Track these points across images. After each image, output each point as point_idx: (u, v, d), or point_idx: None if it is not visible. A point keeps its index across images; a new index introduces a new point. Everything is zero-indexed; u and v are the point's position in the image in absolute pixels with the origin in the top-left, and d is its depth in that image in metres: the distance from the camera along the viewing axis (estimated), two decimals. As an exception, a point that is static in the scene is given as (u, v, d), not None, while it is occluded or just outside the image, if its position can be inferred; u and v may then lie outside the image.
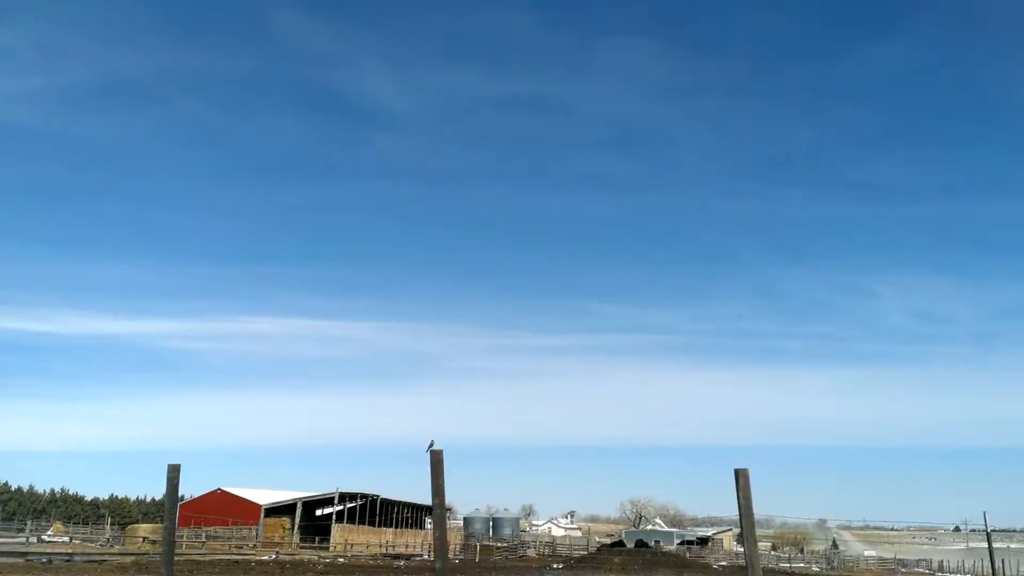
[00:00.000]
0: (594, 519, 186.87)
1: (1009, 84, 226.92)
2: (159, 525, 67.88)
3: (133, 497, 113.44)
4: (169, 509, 10.73)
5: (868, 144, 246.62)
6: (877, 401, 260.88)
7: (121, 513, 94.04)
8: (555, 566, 49.80)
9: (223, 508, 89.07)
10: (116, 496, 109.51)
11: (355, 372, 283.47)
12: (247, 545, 67.23)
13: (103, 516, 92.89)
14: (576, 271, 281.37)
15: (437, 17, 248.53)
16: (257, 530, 69.78)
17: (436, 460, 8.89)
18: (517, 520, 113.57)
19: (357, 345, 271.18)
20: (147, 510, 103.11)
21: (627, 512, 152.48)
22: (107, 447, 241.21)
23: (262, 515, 70.24)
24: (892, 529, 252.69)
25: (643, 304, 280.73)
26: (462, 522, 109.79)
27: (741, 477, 7.58)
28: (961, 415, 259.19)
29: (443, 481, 8.85)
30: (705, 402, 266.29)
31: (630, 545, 68.18)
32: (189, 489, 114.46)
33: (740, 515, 7.58)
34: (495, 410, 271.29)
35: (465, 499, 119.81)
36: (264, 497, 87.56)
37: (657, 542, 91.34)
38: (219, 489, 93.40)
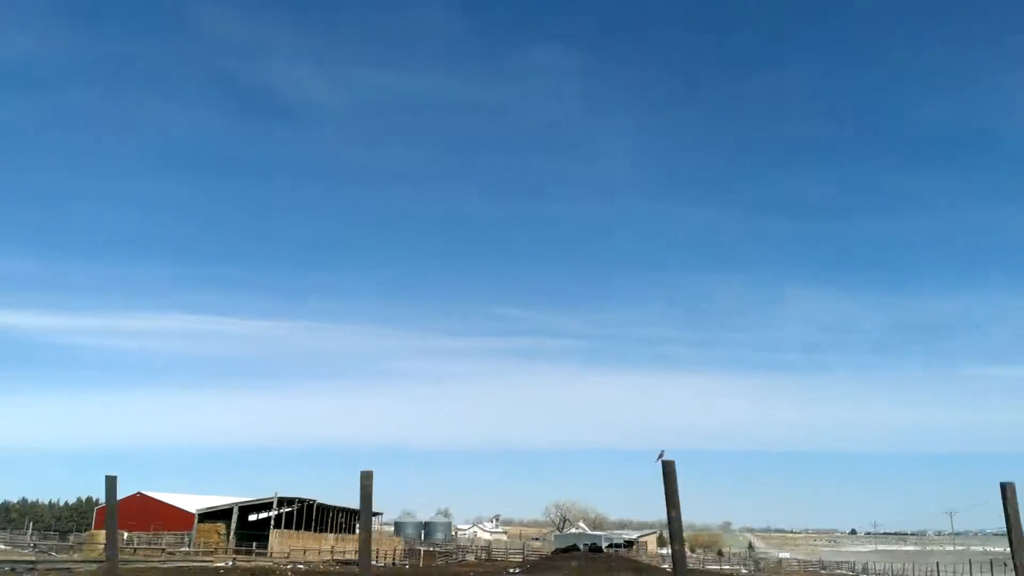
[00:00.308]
0: (509, 522, 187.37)
1: (910, 107, 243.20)
2: (120, 532, 64.00)
3: (46, 500, 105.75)
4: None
5: (777, 160, 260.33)
6: (776, 408, 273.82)
7: (33, 516, 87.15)
8: (513, 571, 49.62)
9: (143, 513, 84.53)
10: (27, 500, 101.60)
11: (261, 372, 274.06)
12: (178, 552, 63.94)
13: (12, 521, 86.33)
14: (487, 274, 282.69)
15: (365, 13, 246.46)
16: (190, 536, 66.43)
17: (668, 470, 8.64)
18: (449, 524, 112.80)
19: (265, 345, 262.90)
20: (60, 514, 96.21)
21: (551, 516, 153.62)
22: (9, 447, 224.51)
23: (196, 521, 66.95)
24: (792, 532, 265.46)
25: (549, 309, 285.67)
26: (393, 527, 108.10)
27: (1008, 491, 7.66)
28: (856, 422, 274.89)
29: (676, 490, 8.61)
30: (611, 406, 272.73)
31: (561, 547, 68.86)
32: (98, 492, 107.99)
33: (1008, 529, 7.64)
34: (407, 412, 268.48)
35: (378, 503, 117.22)
36: (193, 502, 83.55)
37: (595, 545, 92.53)
38: (139, 493, 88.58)
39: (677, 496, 8.51)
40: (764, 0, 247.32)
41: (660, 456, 8.97)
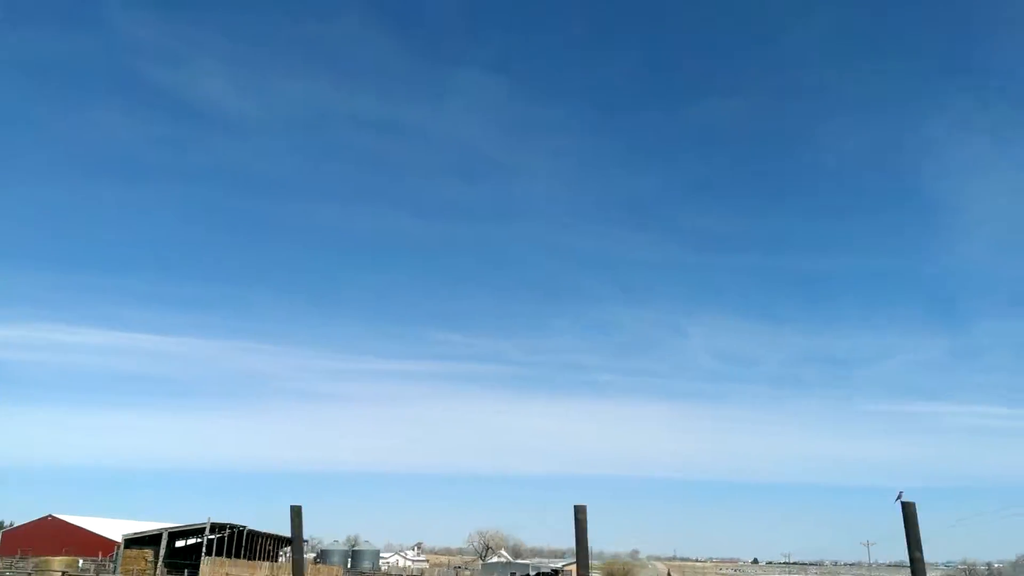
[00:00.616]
0: (432, 550, 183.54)
1: (825, 150, 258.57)
2: (73, 559, 59.84)
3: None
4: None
5: (696, 193, 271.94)
6: (686, 436, 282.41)
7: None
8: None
9: (55, 538, 78.87)
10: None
11: (188, 391, 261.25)
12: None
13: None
14: (423, 297, 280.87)
15: (287, 24, 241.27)
16: (115, 563, 62.28)
17: (909, 512, 9.12)
18: (376, 553, 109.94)
19: (191, 363, 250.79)
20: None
21: (475, 543, 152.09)
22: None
23: (121, 546, 62.80)
24: (697, 560, 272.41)
25: (482, 333, 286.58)
26: (316, 555, 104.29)
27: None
28: (759, 453, 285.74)
29: (919, 532, 9.08)
30: (536, 433, 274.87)
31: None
32: (8, 515, 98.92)
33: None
34: (331, 434, 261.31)
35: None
36: (113, 527, 78.45)
37: (525, 575, 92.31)
38: (50, 516, 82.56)
39: (919, 538, 8.97)
40: (687, 37, 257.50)
41: (899, 497, 9.46)
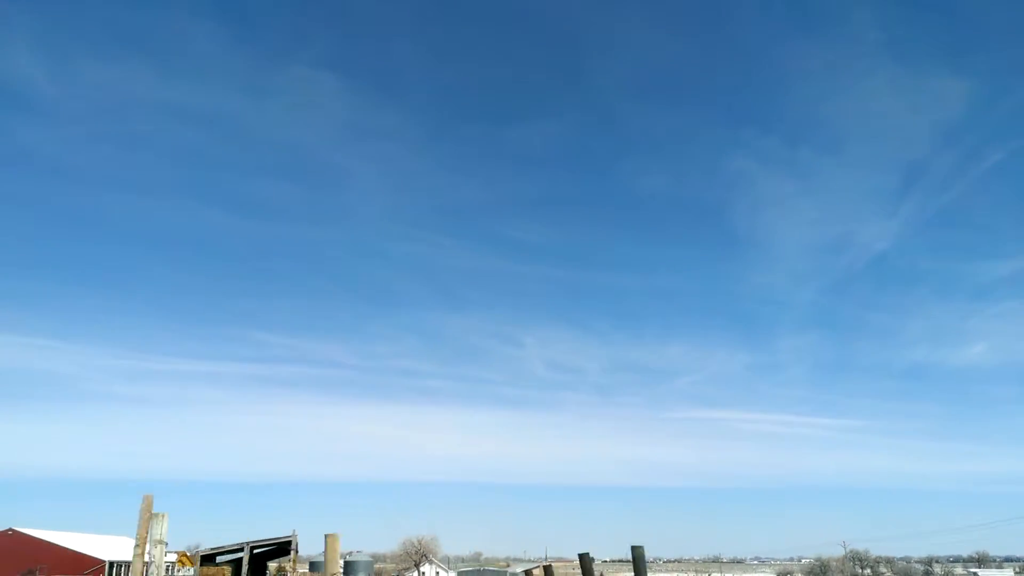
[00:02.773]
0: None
1: (635, 174, 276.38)
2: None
3: None
4: None
5: (522, 209, 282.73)
6: (519, 442, 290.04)
7: None
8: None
9: (16, 553, 77.26)
10: None
11: None
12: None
13: None
14: (240, 297, 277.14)
15: (109, 8, 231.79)
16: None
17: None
18: (371, 564, 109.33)
19: None
20: None
21: (410, 551, 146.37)
22: None
23: (198, 562, 60.08)
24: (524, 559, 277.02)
25: (309, 336, 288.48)
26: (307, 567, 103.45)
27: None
28: (584, 456, 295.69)
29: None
30: (366, 438, 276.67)
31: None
32: None
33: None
34: (130, 440, 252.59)
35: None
36: (84, 542, 77.61)
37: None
38: (11, 530, 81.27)
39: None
40: (520, 54, 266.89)
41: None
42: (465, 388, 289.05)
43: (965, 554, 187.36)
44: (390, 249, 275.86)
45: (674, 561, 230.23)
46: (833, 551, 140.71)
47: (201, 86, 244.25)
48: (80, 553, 79.73)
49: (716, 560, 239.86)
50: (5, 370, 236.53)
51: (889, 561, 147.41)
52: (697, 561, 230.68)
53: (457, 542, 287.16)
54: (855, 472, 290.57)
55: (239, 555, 56.04)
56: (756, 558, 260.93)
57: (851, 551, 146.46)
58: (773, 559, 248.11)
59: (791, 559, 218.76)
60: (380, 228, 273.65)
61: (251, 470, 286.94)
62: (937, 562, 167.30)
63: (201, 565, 55.77)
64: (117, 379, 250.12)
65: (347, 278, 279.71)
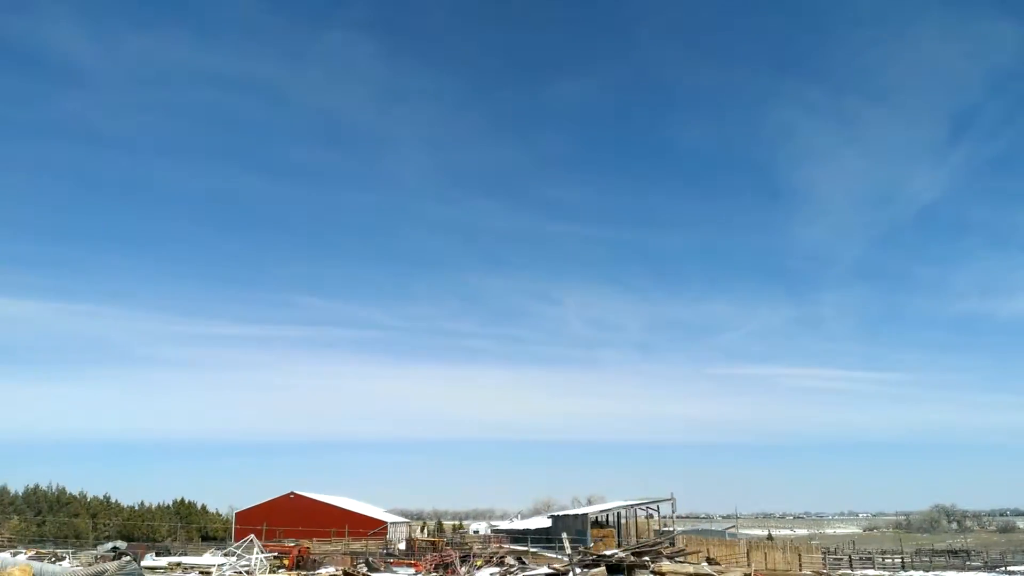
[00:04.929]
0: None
1: (675, 133, 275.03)
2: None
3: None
4: None
5: (561, 167, 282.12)
6: (560, 399, 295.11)
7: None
8: None
9: (298, 513, 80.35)
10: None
11: (16, 358, 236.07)
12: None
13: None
14: (283, 262, 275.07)
15: None
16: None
17: None
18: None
19: (19, 326, 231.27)
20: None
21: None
22: None
23: (587, 523, 61.83)
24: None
25: (352, 300, 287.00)
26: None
27: None
28: (625, 413, 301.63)
29: None
30: (408, 398, 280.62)
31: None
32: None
33: None
34: (183, 403, 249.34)
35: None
36: (354, 506, 78.70)
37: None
38: (292, 493, 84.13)
39: None
40: (558, 13, 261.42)
41: None
42: (506, 348, 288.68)
43: (1011, 507, 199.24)
44: (429, 211, 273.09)
45: (727, 517, 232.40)
46: (880, 506, 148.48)
47: (239, 53, 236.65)
48: (361, 514, 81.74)
49: (768, 516, 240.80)
50: (56, 337, 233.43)
51: (976, 515, 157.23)
52: (767, 517, 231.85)
53: (512, 498, 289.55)
54: (903, 426, 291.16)
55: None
56: (805, 513, 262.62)
57: (937, 506, 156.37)
58: (819, 514, 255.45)
59: (841, 514, 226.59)
60: (419, 191, 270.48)
61: (295, 430, 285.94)
62: (1001, 515, 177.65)
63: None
64: (167, 343, 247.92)
65: (388, 241, 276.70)
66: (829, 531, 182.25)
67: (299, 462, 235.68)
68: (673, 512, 59.86)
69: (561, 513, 73.38)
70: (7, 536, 67.97)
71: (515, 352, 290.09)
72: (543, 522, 77.99)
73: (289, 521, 78.51)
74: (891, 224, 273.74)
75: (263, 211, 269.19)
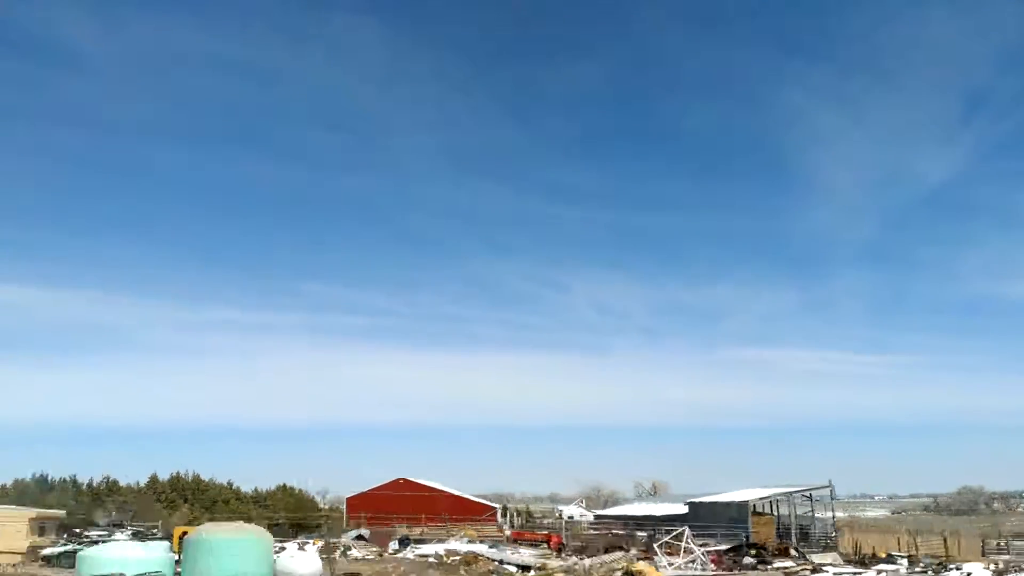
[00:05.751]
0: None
1: (678, 114, 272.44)
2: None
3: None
4: None
5: (564, 150, 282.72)
6: (567, 385, 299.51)
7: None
8: None
9: (406, 498, 79.75)
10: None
11: (14, 344, 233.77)
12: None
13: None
14: (280, 246, 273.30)
15: None
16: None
17: None
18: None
19: (17, 313, 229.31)
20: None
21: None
22: None
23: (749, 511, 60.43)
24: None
25: (354, 285, 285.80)
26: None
27: None
28: (630, 398, 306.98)
29: None
30: (410, 383, 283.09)
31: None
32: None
33: None
34: (185, 390, 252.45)
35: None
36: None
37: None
38: (402, 479, 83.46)
39: None
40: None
41: None
42: (511, 333, 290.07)
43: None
44: (432, 195, 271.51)
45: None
46: (894, 488, 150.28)
47: (240, 36, 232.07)
48: (468, 499, 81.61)
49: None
50: (62, 324, 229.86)
51: (1004, 496, 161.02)
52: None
53: (527, 485, 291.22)
54: (913, 409, 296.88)
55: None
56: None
57: (964, 488, 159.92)
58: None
59: (854, 497, 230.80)
60: (421, 174, 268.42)
61: (302, 417, 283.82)
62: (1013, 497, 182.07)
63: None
64: (170, 329, 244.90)
65: (390, 226, 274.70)
66: (857, 514, 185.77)
67: (301, 448, 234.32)
68: (832, 499, 60.69)
69: (706, 500, 73.37)
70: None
71: (519, 337, 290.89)
72: (669, 508, 78.06)
73: (398, 508, 78.14)
74: (900, 205, 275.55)
75: (267, 195, 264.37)
